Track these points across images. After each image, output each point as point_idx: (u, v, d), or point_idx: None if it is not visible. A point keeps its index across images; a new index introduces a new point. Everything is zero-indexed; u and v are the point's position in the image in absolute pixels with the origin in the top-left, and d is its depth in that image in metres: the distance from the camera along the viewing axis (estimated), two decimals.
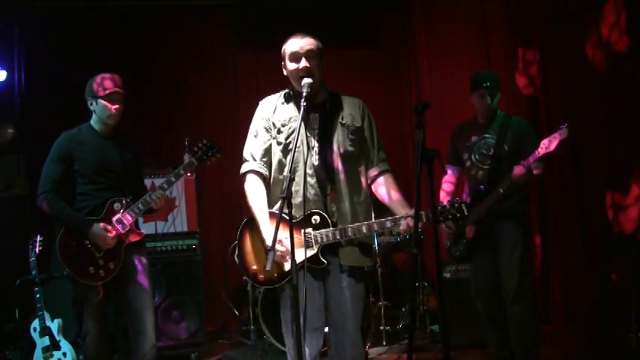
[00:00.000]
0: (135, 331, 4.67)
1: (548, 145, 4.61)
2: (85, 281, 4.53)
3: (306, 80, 3.73)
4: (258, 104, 4.07)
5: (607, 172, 5.95)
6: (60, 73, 7.61)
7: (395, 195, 3.92)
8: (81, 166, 4.64)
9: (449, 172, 5.35)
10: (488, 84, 5.07)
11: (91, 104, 4.69)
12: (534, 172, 4.85)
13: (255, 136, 3.99)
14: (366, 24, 8.88)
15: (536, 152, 4.66)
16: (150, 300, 4.77)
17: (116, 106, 4.67)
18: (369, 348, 6.23)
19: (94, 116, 4.75)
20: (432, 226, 3.59)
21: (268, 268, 3.40)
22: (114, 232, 4.57)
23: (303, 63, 3.80)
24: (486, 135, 5.08)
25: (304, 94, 3.69)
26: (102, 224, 4.55)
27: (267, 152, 3.96)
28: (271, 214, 3.83)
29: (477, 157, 5.09)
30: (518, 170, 4.71)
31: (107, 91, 4.62)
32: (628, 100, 5.65)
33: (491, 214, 4.93)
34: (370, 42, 8.96)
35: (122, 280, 4.66)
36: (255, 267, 3.87)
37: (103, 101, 4.64)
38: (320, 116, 3.89)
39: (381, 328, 6.63)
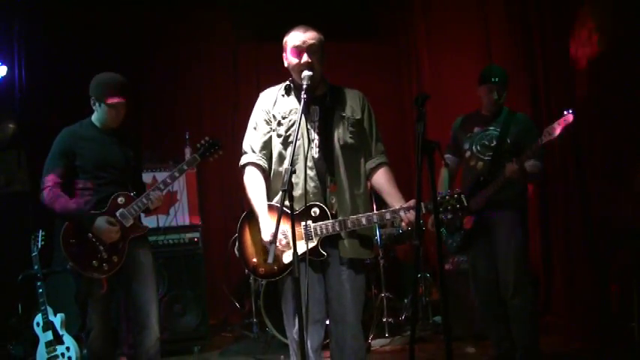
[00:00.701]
0: (139, 326, 4.67)
1: (552, 131, 4.60)
2: (89, 275, 4.53)
3: (307, 73, 3.73)
4: (258, 97, 4.06)
5: (609, 162, 5.95)
6: (60, 68, 7.60)
7: (391, 188, 3.92)
8: (83, 162, 4.63)
9: (447, 161, 5.34)
10: (497, 79, 5.08)
11: (94, 104, 4.69)
12: (530, 171, 4.86)
13: (255, 128, 3.98)
14: (366, 16, 8.86)
15: (539, 140, 4.66)
16: (154, 294, 4.77)
17: (118, 114, 4.70)
18: (371, 340, 6.24)
19: (95, 114, 4.74)
20: (434, 217, 3.59)
21: (270, 260, 3.40)
22: (118, 226, 4.57)
23: (305, 58, 3.79)
24: (490, 127, 5.08)
25: (305, 86, 3.69)
26: (106, 218, 4.56)
27: (267, 144, 3.96)
28: (271, 207, 3.83)
29: (478, 147, 5.09)
30: (510, 167, 4.74)
31: (112, 101, 4.62)
32: (629, 91, 5.64)
33: (488, 204, 4.94)
34: (370, 34, 8.93)
35: (126, 274, 4.66)
36: (255, 260, 3.87)
37: (106, 107, 4.65)
38: (320, 109, 3.89)
39: (384, 319, 6.63)
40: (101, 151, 4.67)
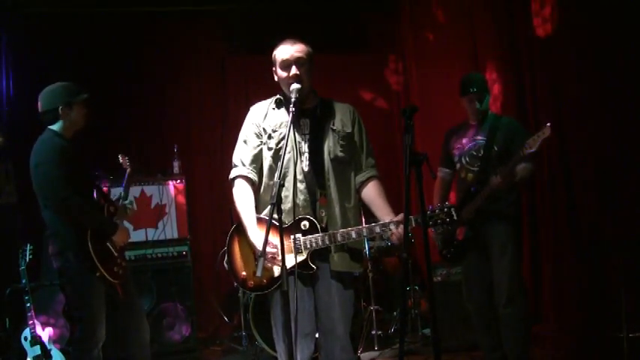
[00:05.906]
0: (134, 329, 4.68)
1: (532, 144, 4.63)
2: (114, 281, 4.49)
3: (295, 86, 3.74)
4: (247, 109, 4.07)
5: (596, 171, 5.97)
6: (48, 80, 7.54)
7: (381, 202, 3.92)
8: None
9: (440, 175, 5.36)
10: (474, 89, 5.10)
11: (64, 109, 4.98)
12: (520, 175, 4.87)
13: (245, 142, 3.98)
14: (354, 28, 8.91)
15: (520, 153, 4.68)
16: None
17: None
18: (360, 352, 6.23)
19: (60, 124, 4.99)
20: (423, 230, 3.59)
21: (258, 274, 3.40)
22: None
23: (293, 71, 3.80)
24: (477, 137, 5.11)
25: (293, 99, 3.70)
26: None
27: (257, 158, 3.95)
28: (260, 220, 3.82)
29: (467, 159, 5.11)
30: (494, 180, 4.77)
31: (85, 98, 4.92)
32: (617, 99, 5.68)
33: (482, 215, 4.94)
34: (358, 46, 8.97)
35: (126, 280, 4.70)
36: (244, 273, 3.86)
37: (79, 107, 4.95)
38: (310, 122, 3.90)
39: (373, 332, 6.62)
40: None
